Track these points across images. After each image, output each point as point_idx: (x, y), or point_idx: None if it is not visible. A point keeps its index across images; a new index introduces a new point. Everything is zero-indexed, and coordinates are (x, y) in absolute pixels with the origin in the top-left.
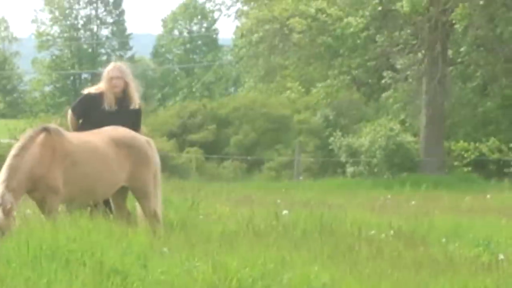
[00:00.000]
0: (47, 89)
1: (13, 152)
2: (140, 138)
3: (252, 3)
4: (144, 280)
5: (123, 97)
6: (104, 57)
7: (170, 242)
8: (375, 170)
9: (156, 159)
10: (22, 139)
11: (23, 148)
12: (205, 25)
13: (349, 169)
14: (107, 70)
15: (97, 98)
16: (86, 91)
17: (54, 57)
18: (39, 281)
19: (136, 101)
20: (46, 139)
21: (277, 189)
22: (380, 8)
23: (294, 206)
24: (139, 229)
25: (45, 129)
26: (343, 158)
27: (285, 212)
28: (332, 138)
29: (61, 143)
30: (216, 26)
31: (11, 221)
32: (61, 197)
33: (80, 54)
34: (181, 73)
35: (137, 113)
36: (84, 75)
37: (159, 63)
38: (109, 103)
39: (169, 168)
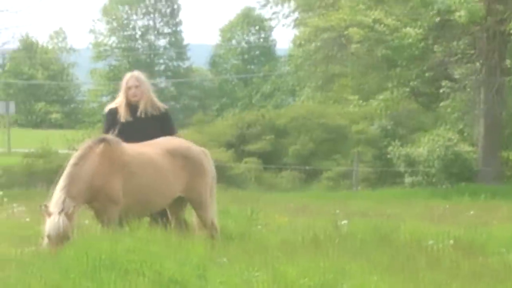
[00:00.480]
0: (104, 99)
1: (72, 161)
2: (195, 148)
3: (309, 12)
4: None
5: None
6: (162, 67)
7: (229, 252)
8: (433, 180)
9: (212, 169)
10: (81, 149)
11: (82, 158)
12: (262, 35)
13: (407, 179)
14: (125, 80)
15: (117, 111)
16: (106, 108)
17: (111, 67)
18: None
19: (160, 106)
20: (105, 149)
21: (335, 199)
22: (437, 19)
23: (352, 216)
24: (197, 239)
25: (104, 140)
26: (401, 168)
27: (343, 222)
28: (390, 148)
29: (119, 154)
30: (273, 36)
31: (72, 227)
32: (120, 208)
33: (137, 65)
34: (238, 83)
35: (165, 117)
36: None
37: (216, 73)
38: (124, 115)
39: (227, 179)
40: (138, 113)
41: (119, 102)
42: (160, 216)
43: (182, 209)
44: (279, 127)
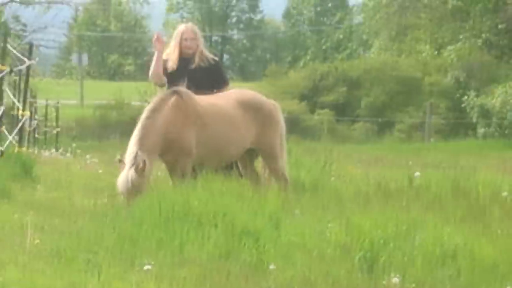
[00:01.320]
0: None
1: (145, 114)
2: (266, 100)
3: None
4: (276, 241)
5: (194, 58)
6: (234, 20)
7: (302, 203)
8: (506, 131)
9: (282, 122)
10: (153, 102)
11: (156, 110)
12: None
13: (480, 130)
14: (180, 32)
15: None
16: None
17: (184, 19)
18: (171, 242)
19: (210, 58)
20: (177, 101)
21: (408, 151)
22: None
23: (425, 168)
24: (270, 191)
25: (176, 92)
26: (474, 119)
27: (416, 174)
28: (465, 97)
29: (192, 106)
30: None
31: (144, 181)
32: (193, 160)
33: (210, 17)
34: (311, 35)
35: (215, 69)
36: (214, 38)
37: (289, 25)
38: (172, 66)
39: (300, 130)
40: (192, 66)
41: (170, 53)
42: (227, 169)
43: (253, 161)
44: (352, 79)
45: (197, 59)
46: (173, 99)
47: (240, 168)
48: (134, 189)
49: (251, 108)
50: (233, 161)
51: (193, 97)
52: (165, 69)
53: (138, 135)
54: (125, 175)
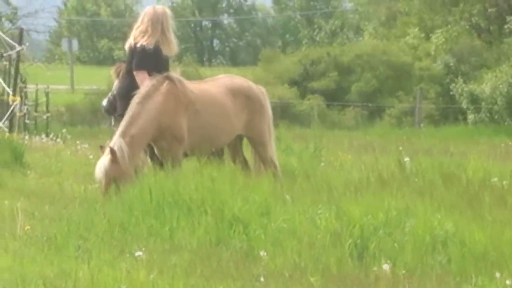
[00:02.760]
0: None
1: (136, 100)
2: (255, 87)
3: None
4: (266, 228)
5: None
6: (224, 4)
7: (292, 190)
8: (496, 117)
9: (269, 108)
10: (145, 87)
11: (146, 96)
12: None
13: (470, 116)
14: (159, 16)
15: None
16: (144, 43)
17: (174, 4)
18: (161, 228)
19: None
20: (169, 87)
21: (398, 137)
22: None
23: (415, 154)
24: (261, 177)
25: (168, 78)
26: (464, 105)
27: (406, 159)
28: (453, 85)
29: (183, 92)
30: None
31: (118, 168)
32: (184, 146)
33: (200, 1)
34: (301, 20)
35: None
36: (205, 23)
37: (279, 10)
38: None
39: (290, 116)
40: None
41: (157, 37)
42: (216, 156)
43: (241, 147)
44: (343, 64)
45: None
46: (165, 85)
47: (229, 154)
48: (108, 177)
49: (241, 95)
50: (221, 148)
51: (185, 83)
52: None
53: (125, 123)
54: (100, 162)
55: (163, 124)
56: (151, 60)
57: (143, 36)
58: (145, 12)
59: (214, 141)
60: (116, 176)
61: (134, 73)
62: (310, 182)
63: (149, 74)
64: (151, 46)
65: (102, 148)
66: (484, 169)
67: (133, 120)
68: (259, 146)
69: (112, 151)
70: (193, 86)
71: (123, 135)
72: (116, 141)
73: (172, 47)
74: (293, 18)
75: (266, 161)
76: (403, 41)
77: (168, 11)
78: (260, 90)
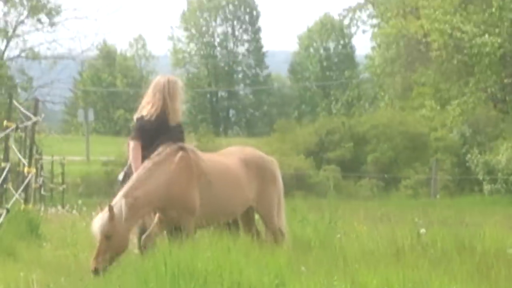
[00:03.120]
0: (183, 107)
1: (146, 164)
2: (266, 158)
3: (388, 19)
4: None
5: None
6: (240, 75)
7: (308, 261)
8: None
9: (280, 178)
10: (159, 155)
11: (158, 164)
12: (341, 42)
13: (486, 187)
14: (162, 85)
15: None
16: (148, 113)
17: (190, 74)
18: None
19: (180, 115)
20: (183, 158)
21: (415, 207)
22: None
23: (431, 225)
24: (277, 248)
25: (182, 148)
26: (480, 176)
27: (422, 230)
28: (469, 156)
29: (197, 163)
30: (352, 42)
31: (114, 226)
32: (195, 218)
33: (216, 72)
34: (317, 90)
35: (181, 127)
36: (221, 93)
37: (295, 80)
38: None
39: (306, 186)
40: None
41: (158, 107)
42: (227, 226)
43: (253, 217)
44: (359, 135)
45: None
46: (178, 155)
47: (242, 225)
48: (102, 233)
49: (253, 165)
50: (236, 219)
51: (198, 154)
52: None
53: (130, 184)
54: (98, 218)
55: (173, 194)
56: (147, 130)
57: (145, 107)
58: (151, 83)
59: (227, 212)
60: (110, 234)
61: (129, 142)
62: (325, 253)
63: (146, 145)
64: (150, 117)
65: (101, 206)
66: (500, 239)
67: (139, 184)
68: (267, 216)
69: (111, 208)
70: (206, 157)
71: (126, 195)
72: (117, 200)
73: (174, 116)
74: (309, 89)
75: (274, 230)
76: (419, 114)
77: (174, 79)
78: (271, 160)
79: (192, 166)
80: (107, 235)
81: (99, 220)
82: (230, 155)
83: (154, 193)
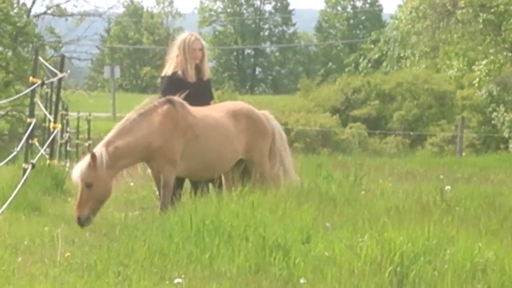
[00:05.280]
0: (210, 64)
1: (131, 115)
2: (256, 110)
3: None
4: (307, 256)
5: (199, 68)
6: (267, 33)
7: (333, 217)
8: None
9: (274, 131)
10: (145, 106)
11: (143, 115)
12: (369, 0)
13: None
14: (189, 41)
15: (181, 75)
16: (168, 71)
17: (217, 32)
18: (201, 255)
19: (208, 72)
20: (169, 111)
21: (440, 165)
22: None
23: (456, 182)
24: (305, 205)
25: (170, 101)
26: (506, 134)
27: (447, 187)
28: (495, 114)
29: (184, 117)
30: (380, 1)
31: (95, 175)
32: (177, 170)
33: (242, 30)
34: (344, 48)
35: (210, 83)
36: (247, 51)
37: (322, 38)
38: (191, 76)
39: (332, 144)
40: (205, 76)
41: (182, 64)
42: (208, 181)
43: (239, 171)
44: (385, 93)
45: (207, 69)
46: (165, 107)
47: (224, 179)
48: (83, 181)
49: (242, 117)
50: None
51: (186, 107)
52: (182, 80)
53: (112, 133)
54: (78, 165)
55: (154, 145)
56: (175, 86)
57: (171, 63)
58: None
59: (215, 167)
60: (90, 181)
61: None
62: (350, 210)
63: None
64: (171, 74)
65: (83, 153)
66: None
67: (122, 133)
68: (257, 167)
69: (93, 156)
70: (196, 111)
71: (108, 144)
72: (98, 148)
73: (198, 72)
74: (336, 47)
75: (264, 179)
76: (447, 74)
77: (190, 37)
78: (263, 113)
79: (178, 119)
80: (88, 183)
81: (79, 168)
82: (221, 108)
83: (136, 143)
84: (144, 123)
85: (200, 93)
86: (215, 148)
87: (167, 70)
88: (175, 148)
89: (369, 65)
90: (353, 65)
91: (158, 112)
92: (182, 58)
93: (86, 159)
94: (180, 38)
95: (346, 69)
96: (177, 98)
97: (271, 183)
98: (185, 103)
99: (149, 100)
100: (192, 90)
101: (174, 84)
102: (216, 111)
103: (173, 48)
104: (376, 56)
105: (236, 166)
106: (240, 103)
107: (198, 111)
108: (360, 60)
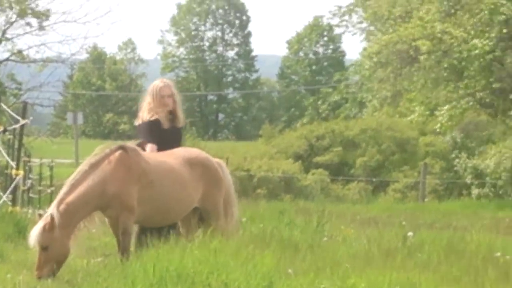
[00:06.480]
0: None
1: (82, 167)
2: (212, 159)
3: (378, 24)
4: None
5: (172, 115)
6: (230, 79)
7: (295, 263)
8: (500, 192)
9: (228, 179)
10: (95, 156)
11: (94, 165)
12: (331, 46)
13: (474, 191)
14: (158, 88)
15: (158, 121)
16: (144, 118)
17: (179, 78)
18: None
19: (182, 119)
20: (121, 157)
21: (402, 211)
22: (505, 30)
23: (419, 228)
24: (267, 251)
25: (122, 148)
26: (468, 180)
27: (409, 233)
28: (457, 160)
29: (137, 162)
30: (342, 47)
31: (51, 236)
32: (135, 217)
33: (205, 76)
34: (306, 94)
35: (182, 131)
36: (210, 97)
37: (285, 84)
38: (164, 122)
39: (294, 190)
40: (179, 123)
41: (157, 111)
42: (170, 228)
43: (195, 218)
44: (348, 139)
45: (180, 115)
46: (117, 154)
47: (180, 226)
48: (39, 244)
49: (198, 166)
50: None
51: (140, 153)
52: (159, 127)
53: (63, 190)
54: (34, 229)
55: (109, 192)
56: (154, 131)
57: (149, 111)
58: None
59: (170, 213)
60: (46, 244)
61: (142, 146)
62: (313, 256)
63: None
64: (151, 119)
65: (40, 216)
66: (487, 243)
67: (71, 189)
68: (212, 218)
69: (52, 218)
70: (149, 157)
71: (59, 203)
72: (51, 208)
73: (180, 119)
74: (298, 93)
75: (220, 228)
76: (408, 120)
77: (159, 84)
78: (217, 161)
79: (130, 164)
80: (43, 246)
81: (34, 232)
82: (176, 155)
83: (87, 193)
84: (97, 172)
85: (173, 140)
86: (170, 193)
87: (144, 116)
88: (131, 194)
89: (329, 107)
90: (310, 108)
91: (110, 159)
92: (153, 105)
93: (40, 222)
94: (152, 85)
95: (306, 112)
96: (129, 144)
97: (226, 232)
98: (138, 149)
99: (99, 149)
100: (167, 137)
101: (154, 129)
102: (171, 157)
103: (146, 96)
104: (336, 98)
105: (192, 212)
106: (196, 151)
107: (152, 157)
108: (319, 103)
